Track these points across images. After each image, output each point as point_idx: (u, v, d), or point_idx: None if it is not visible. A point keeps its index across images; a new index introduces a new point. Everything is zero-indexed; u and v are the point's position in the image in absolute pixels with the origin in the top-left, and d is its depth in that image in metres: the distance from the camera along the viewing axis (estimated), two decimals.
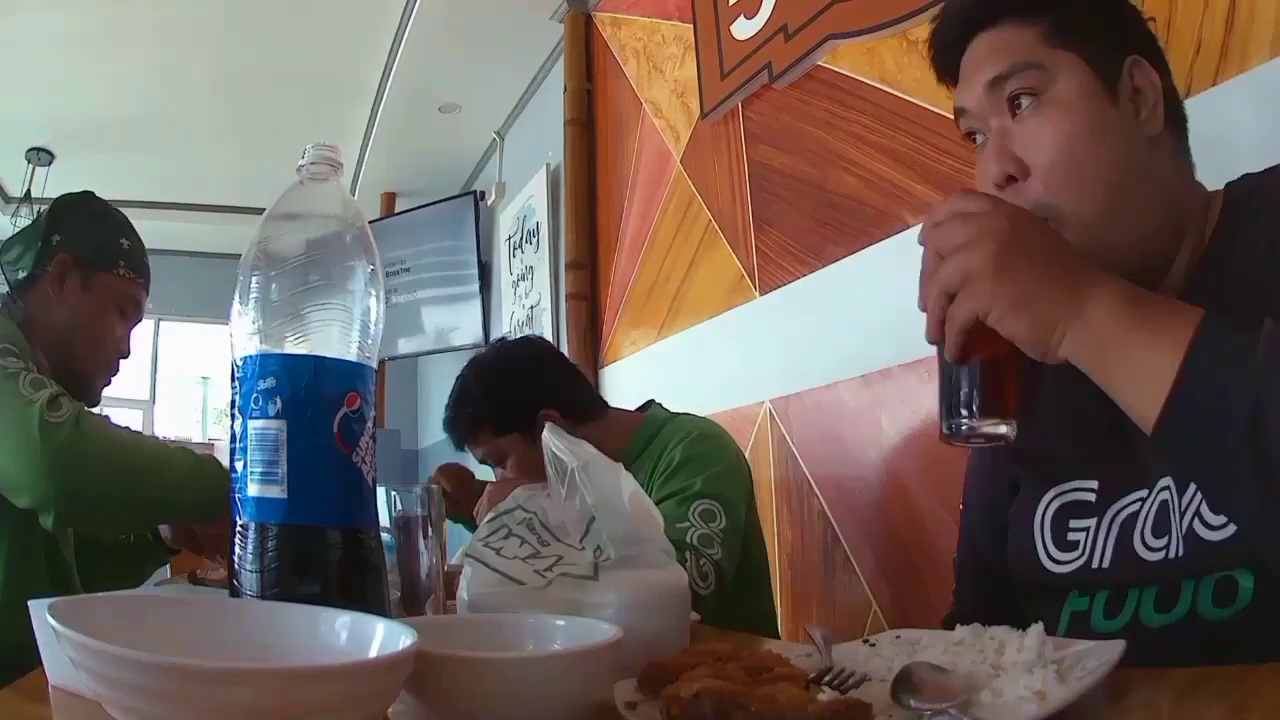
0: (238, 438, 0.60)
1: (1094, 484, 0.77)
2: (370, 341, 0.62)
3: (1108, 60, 0.76)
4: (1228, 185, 0.77)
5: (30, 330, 1.32)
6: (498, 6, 3.17)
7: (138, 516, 1.29)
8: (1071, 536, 0.77)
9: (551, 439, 0.70)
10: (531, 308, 3.51)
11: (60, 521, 1.13)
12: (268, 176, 2.48)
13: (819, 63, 1.84)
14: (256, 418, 0.59)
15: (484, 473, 1.75)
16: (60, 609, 0.42)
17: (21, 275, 1.37)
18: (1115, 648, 0.50)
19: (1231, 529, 0.63)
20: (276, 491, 0.58)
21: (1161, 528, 0.70)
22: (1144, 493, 0.72)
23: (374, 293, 0.62)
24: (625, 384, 2.66)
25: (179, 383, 5.76)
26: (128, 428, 1.23)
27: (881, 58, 1.65)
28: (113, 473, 1.13)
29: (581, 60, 3.07)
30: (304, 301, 0.60)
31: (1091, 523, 0.75)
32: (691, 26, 2.34)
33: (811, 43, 1.83)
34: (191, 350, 5.49)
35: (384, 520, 0.80)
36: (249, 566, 0.58)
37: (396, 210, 4.70)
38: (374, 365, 0.63)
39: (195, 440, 5.73)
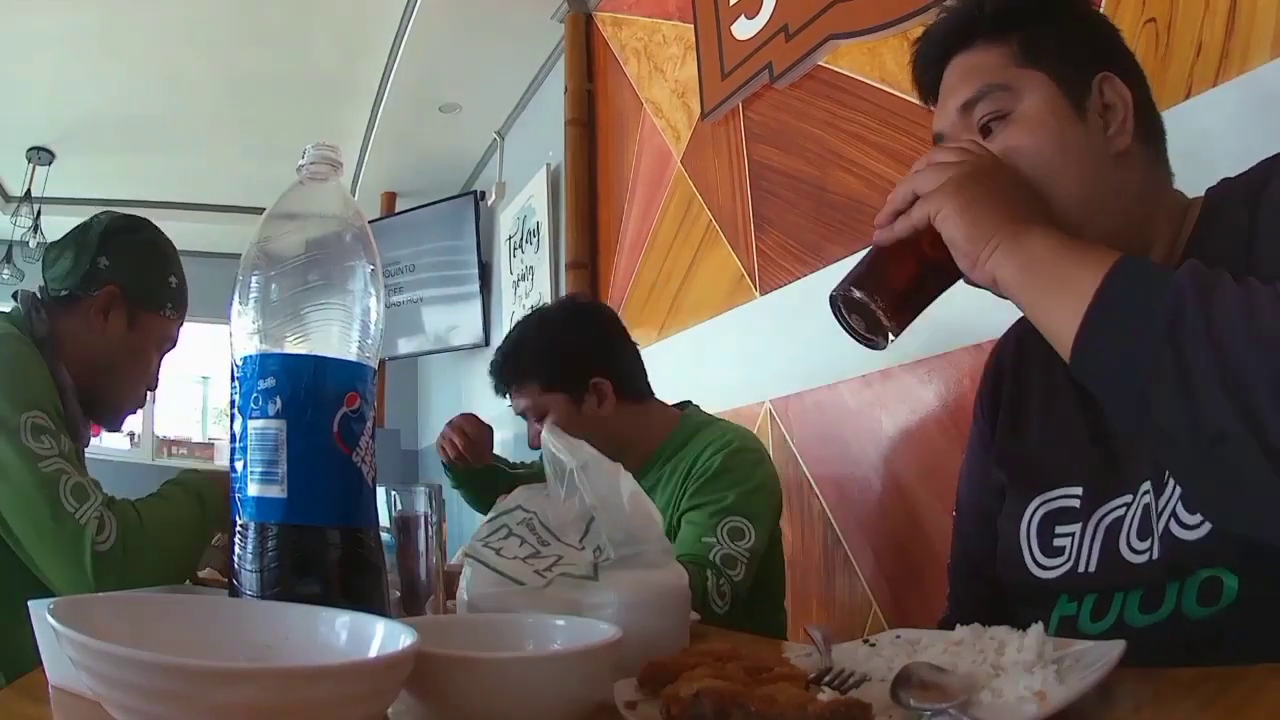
0: (238, 438, 0.60)
1: (1078, 490, 0.77)
2: (370, 341, 0.62)
3: (1075, 77, 0.78)
4: (1207, 191, 0.77)
5: (58, 348, 1.27)
6: (498, 6, 3.17)
7: (188, 571, 1.26)
8: (1058, 542, 0.78)
9: (550, 439, 0.70)
10: (531, 308, 3.51)
11: None
12: (268, 176, 2.49)
13: (819, 63, 1.84)
14: (256, 417, 0.59)
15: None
16: (60, 609, 0.42)
17: (63, 293, 1.32)
18: (1115, 648, 0.50)
19: (1205, 528, 0.64)
20: (276, 491, 0.58)
21: (1145, 530, 0.70)
22: (1129, 497, 0.73)
23: (374, 293, 0.62)
24: None
25: (179, 382, 5.77)
26: (152, 496, 1.20)
27: (882, 58, 1.65)
28: (164, 569, 1.11)
29: (582, 60, 3.07)
30: (304, 301, 0.60)
31: (1077, 528, 0.76)
32: (692, 26, 2.34)
33: (812, 43, 1.83)
34: (191, 350, 5.48)
35: (384, 520, 0.80)
36: (249, 566, 0.58)
37: (396, 210, 4.70)
38: (374, 365, 0.63)
39: (195, 440, 5.74)
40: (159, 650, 0.38)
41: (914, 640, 0.60)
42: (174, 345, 1.46)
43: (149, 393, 1.45)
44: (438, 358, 4.75)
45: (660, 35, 2.62)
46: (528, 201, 3.58)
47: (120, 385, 1.38)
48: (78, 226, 1.39)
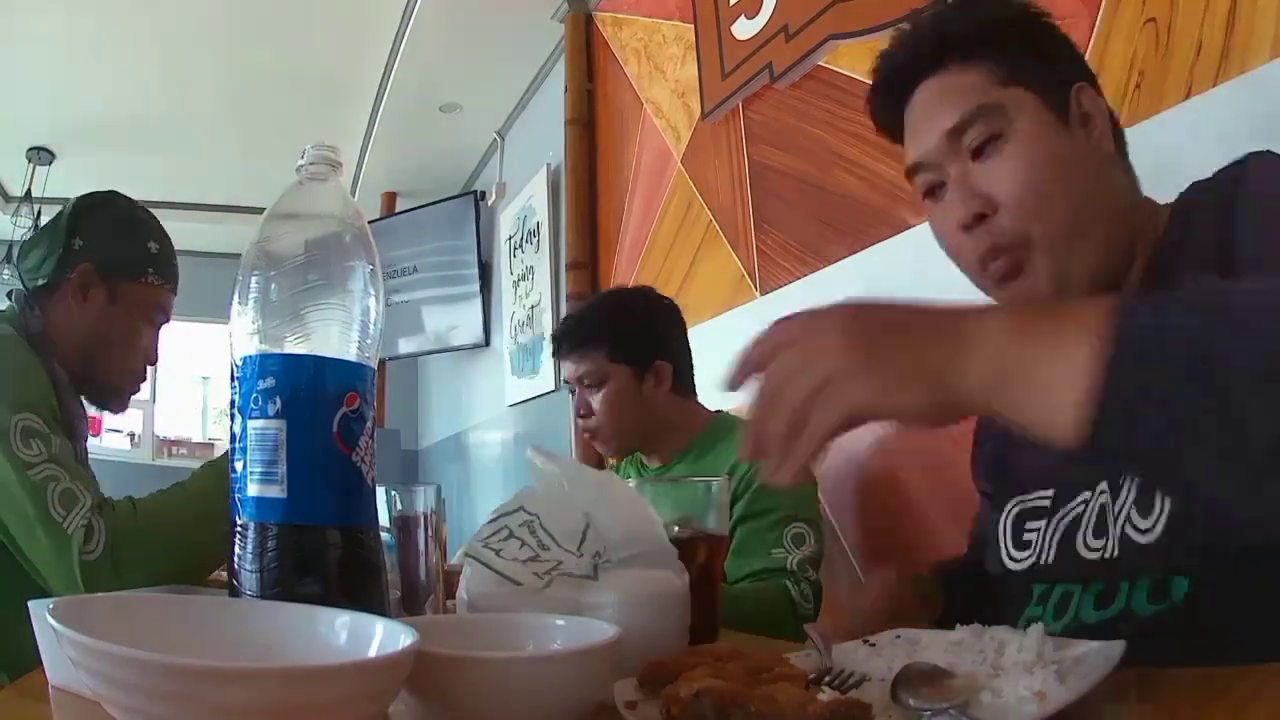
0: (237, 438, 0.60)
1: (1049, 491, 0.81)
2: (370, 341, 0.62)
3: (1057, 91, 0.78)
4: (1180, 195, 0.79)
5: (51, 340, 1.26)
6: (498, 6, 3.17)
7: (213, 559, 1.20)
8: (1026, 536, 0.82)
9: (535, 456, 0.71)
10: (532, 308, 3.51)
11: None
12: (268, 176, 2.49)
13: (820, 63, 1.84)
14: (256, 418, 0.59)
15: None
16: (60, 609, 0.42)
17: (41, 283, 1.30)
18: (1115, 648, 0.50)
19: (1158, 531, 0.66)
20: (276, 491, 0.58)
21: (1101, 529, 0.73)
22: (1087, 494, 0.76)
23: (373, 293, 0.62)
24: None
25: (179, 382, 5.77)
26: (158, 493, 1.16)
27: None
28: (166, 569, 1.08)
29: (582, 60, 3.07)
30: (303, 301, 0.60)
31: (1043, 524, 0.80)
32: (692, 26, 2.34)
33: (812, 43, 1.83)
34: (191, 350, 5.50)
35: (384, 520, 0.80)
36: (249, 566, 0.58)
37: (397, 210, 4.70)
38: (374, 365, 0.63)
39: (195, 440, 5.74)
40: (159, 650, 0.38)
41: (914, 640, 0.60)
42: (167, 317, 1.41)
43: (148, 367, 1.41)
44: (438, 358, 4.75)
45: (660, 35, 2.62)
46: (528, 201, 3.58)
47: (113, 362, 1.34)
48: (51, 219, 1.35)
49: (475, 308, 4.14)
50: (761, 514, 1.38)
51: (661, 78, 2.59)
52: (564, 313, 3.03)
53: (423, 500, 0.86)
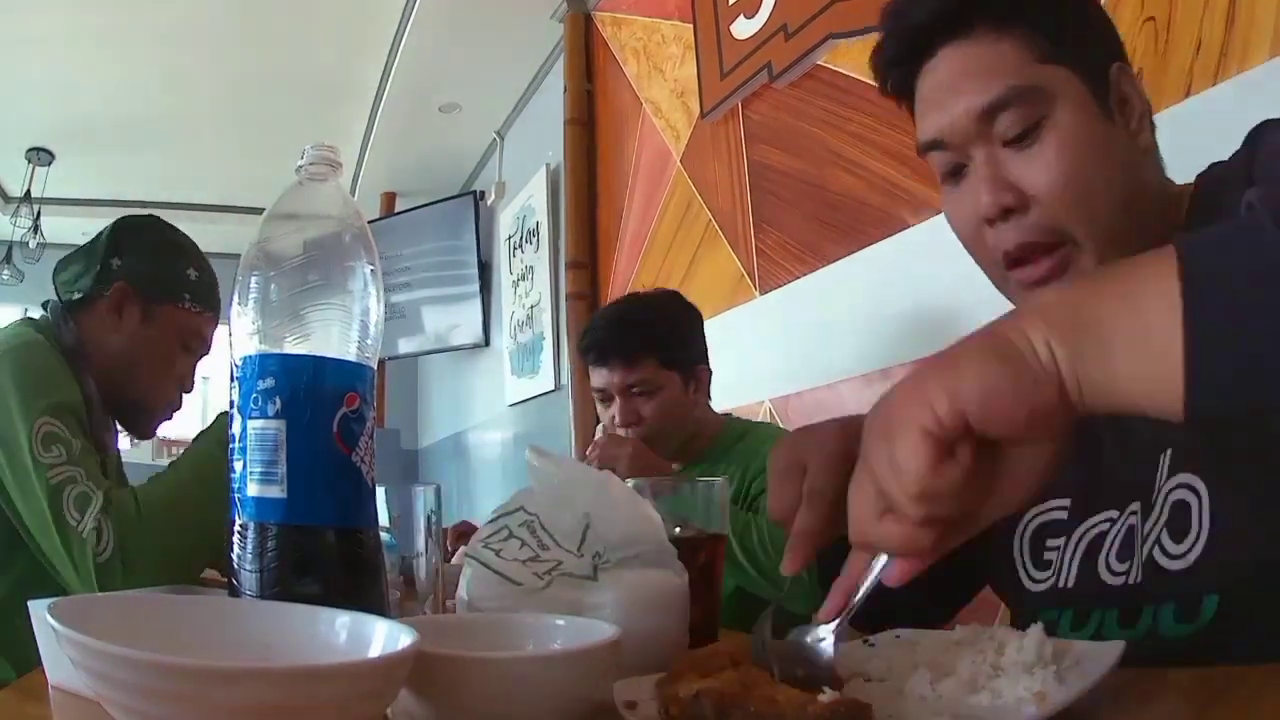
0: (237, 438, 0.60)
1: (1066, 501, 0.75)
2: (370, 341, 0.62)
3: (1098, 72, 0.70)
4: (1198, 176, 0.74)
5: (84, 355, 1.26)
6: (498, 6, 3.17)
7: (216, 552, 1.21)
8: (1047, 556, 0.76)
9: (534, 457, 0.70)
10: (532, 307, 3.51)
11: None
12: (268, 176, 2.49)
13: (819, 62, 1.84)
14: (256, 418, 0.59)
15: None
16: (60, 609, 0.42)
17: (77, 297, 1.30)
18: (1115, 648, 0.50)
19: (1192, 557, 0.61)
20: (276, 491, 0.58)
21: (1126, 552, 0.68)
22: (1114, 514, 0.71)
23: (373, 293, 0.62)
24: None
25: None
26: (156, 479, 1.18)
27: None
28: (174, 547, 1.10)
29: (581, 60, 3.07)
30: (303, 301, 0.60)
31: (1062, 541, 0.74)
32: (691, 26, 2.34)
33: (811, 42, 1.83)
34: None
35: (384, 520, 0.80)
36: (248, 566, 0.58)
37: (396, 210, 4.70)
38: (374, 365, 0.63)
39: None
40: (159, 650, 0.38)
41: (914, 640, 0.60)
42: (206, 347, 1.40)
43: (182, 394, 1.40)
44: (438, 358, 4.75)
45: (659, 35, 2.62)
46: (527, 201, 3.58)
47: (143, 383, 1.34)
48: (93, 238, 1.37)
49: (475, 308, 4.14)
50: None
51: (661, 77, 2.59)
52: (564, 313, 3.03)
53: (423, 500, 0.86)
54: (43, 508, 1.08)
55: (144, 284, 1.31)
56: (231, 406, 0.61)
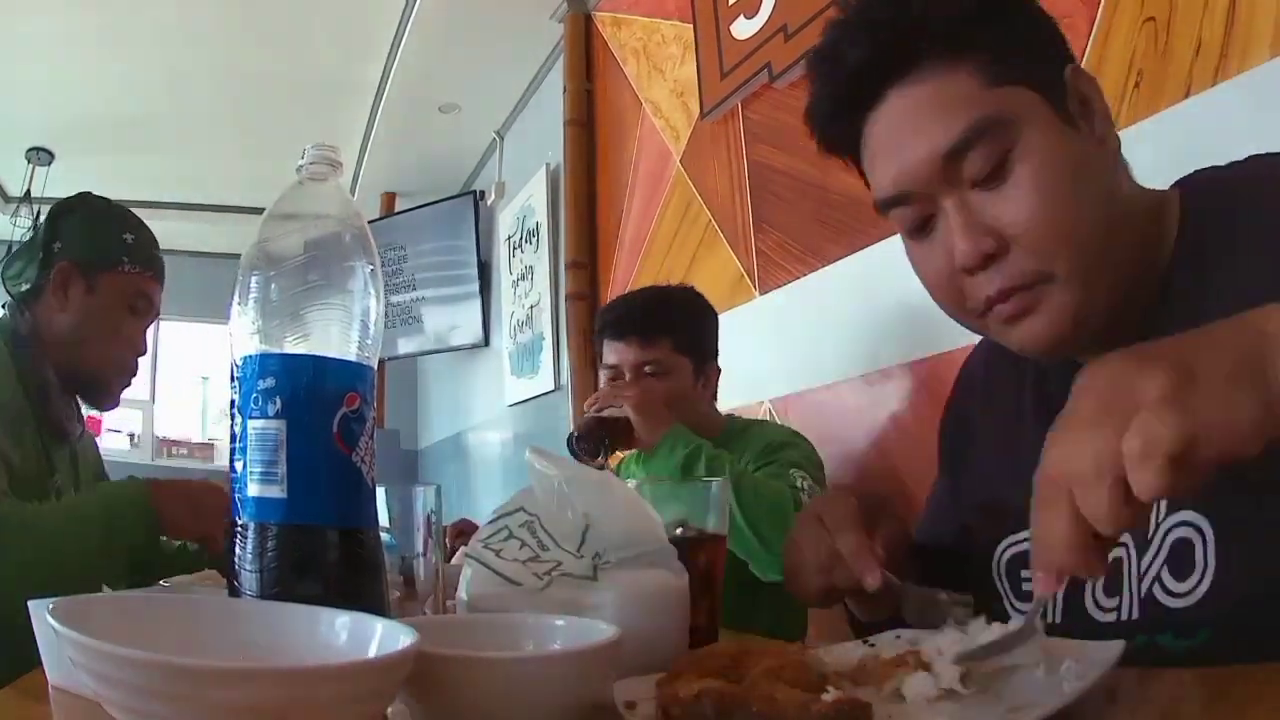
0: (237, 438, 0.60)
1: None
2: (370, 341, 0.62)
3: (1053, 80, 0.66)
4: (1183, 186, 0.70)
5: (40, 340, 1.29)
6: (498, 6, 3.17)
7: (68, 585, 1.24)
8: (1026, 588, 0.74)
9: (533, 458, 0.70)
10: (531, 307, 3.51)
11: None
12: (268, 176, 2.48)
13: None
14: (256, 418, 0.59)
15: None
16: (60, 609, 0.42)
17: (25, 288, 1.34)
18: (1114, 648, 0.50)
19: (1198, 595, 0.59)
20: (276, 491, 0.58)
21: (1114, 587, 0.66)
22: None
23: (373, 293, 0.62)
24: None
25: (179, 383, 5.77)
26: (44, 505, 1.16)
27: None
28: (13, 573, 1.05)
29: (581, 60, 3.07)
30: (303, 301, 0.60)
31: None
32: (691, 26, 2.34)
33: (811, 42, 1.82)
34: (191, 350, 5.49)
35: (384, 520, 0.80)
36: (248, 566, 0.58)
37: (396, 210, 4.70)
38: (374, 365, 0.63)
39: (195, 440, 5.73)
40: (159, 650, 0.38)
41: (914, 640, 0.60)
42: (153, 306, 1.43)
43: (137, 359, 1.43)
44: (437, 358, 4.75)
45: (659, 35, 2.62)
46: (527, 201, 3.58)
47: (97, 353, 1.37)
48: (34, 231, 1.41)
49: (475, 308, 4.14)
50: (772, 462, 1.43)
51: (660, 78, 2.59)
52: (564, 313, 3.03)
53: (422, 500, 0.86)
54: None
55: (84, 258, 1.35)
56: (232, 406, 0.61)
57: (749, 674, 0.49)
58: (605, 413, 1.44)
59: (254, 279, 0.60)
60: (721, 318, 2.16)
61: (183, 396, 5.86)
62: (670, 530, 0.72)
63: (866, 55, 0.67)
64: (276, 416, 0.58)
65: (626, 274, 2.75)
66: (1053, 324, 0.66)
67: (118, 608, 0.50)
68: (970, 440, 0.87)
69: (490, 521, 0.71)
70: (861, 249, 1.70)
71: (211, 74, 3.66)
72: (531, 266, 3.53)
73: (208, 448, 5.70)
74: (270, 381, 0.59)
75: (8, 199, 4.66)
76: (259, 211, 0.65)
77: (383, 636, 0.48)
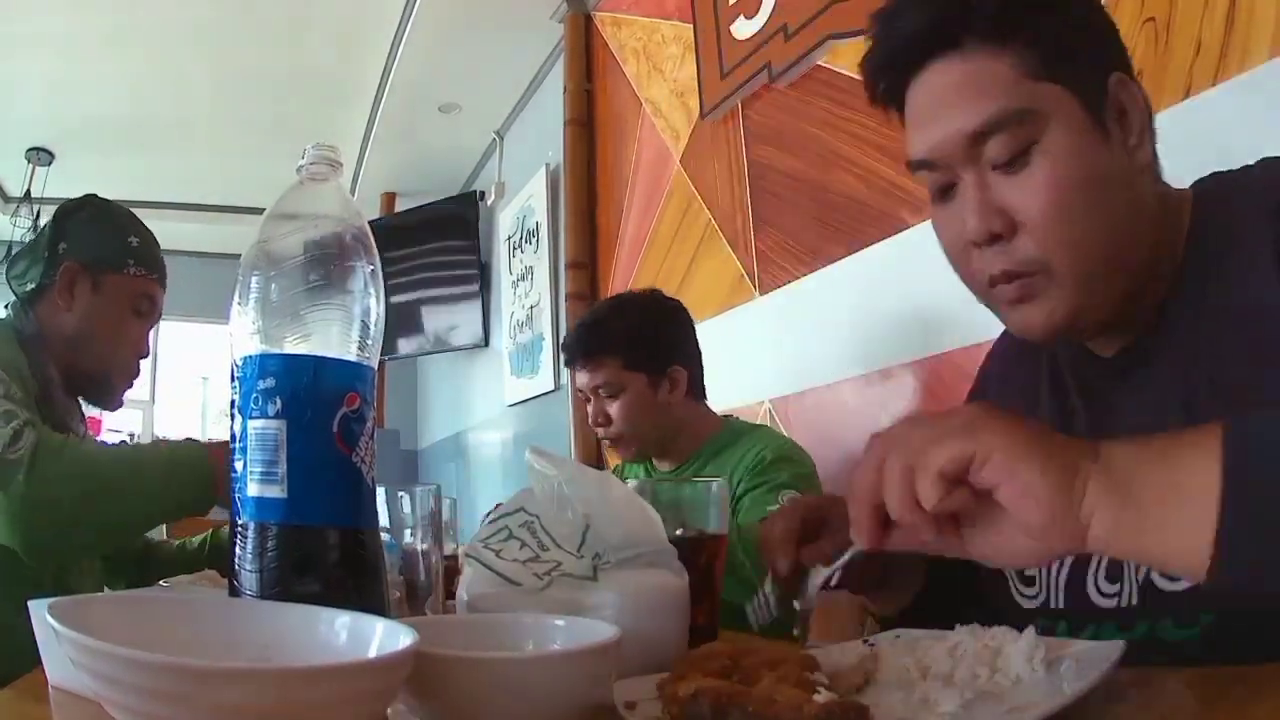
0: (237, 438, 0.60)
1: None
2: (370, 341, 0.62)
3: (1093, 85, 0.67)
4: (1194, 186, 0.72)
5: (43, 342, 1.30)
6: (498, 6, 3.17)
7: (117, 537, 1.26)
8: (1029, 572, 0.76)
9: (533, 458, 0.70)
10: (531, 308, 3.51)
11: (37, 560, 1.10)
12: (268, 176, 2.48)
13: (819, 62, 1.84)
14: (256, 418, 0.59)
15: None
16: (60, 609, 0.42)
17: (30, 288, 1.35)
18: (1114, 648, 0.50)
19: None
20: (276, 491, 0.58)
21: (1115, 573, 0.67)
22: None
23: (374, 293, 0.62)
24: None
25: (179, 383, 5.77)
26: (102, 443, 1.19)
27: None
28: (76, 501, 1.08)
29: (581, 60, 3.07)
30: (304, 301, 0.60)
31: None
32: (691, 26, 2.34)
33: (811, 42, 1.83)
34: (191, 350, 5.49)
35: (384, 520, 0.80)
36: (249, 566, 0.58)
37: (396, 210, 4.70)
38: (374, 365, 0.63)
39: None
40: (159, 650, 0.38)
41: (913, 640, 0.60)
42: (155, 309, 1.45)
43: (140, 361, 1.45)
44: (437, 358, 4.75)
45: (659, 35, 2.62)
46: (527, 201, 3.58)
47: (101, 353, 1.38)
48: (39, 231, 1.43)
49: (475, 308, 4.14)
50: (760, 484, 1.41)
51: (660, 78, 2.59)
52: (564, 313, 3.03)
53: (422, 500, 0.87)
54: None
55: (90, 259, 1.37)
56: (232, 406, 0.61)
57: (749, 674, 0.50)
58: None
59: (254, 279, 0.60)
60: (721, 318, 2.17)
61: (183, 397, 5.87)
62: (670, 531, 0.72)
63: (917, 24, 0.71)
64: (277, 416, 0.58)
65: (626, 274, 2.75)
66: (1049, 315, 0.68)
67: (118, 608, 0.50)
68: None
69: (491, 520, 0.71)
70: (861, 249, 1.70)
71: (211, 74, 3.66)
72: (531, 267, 3.53)
73: None
74: (270, 381, 0.59)
75: (8, 199, 4.65)
76: (259, 211, 0.65)
77: (383, 636, 0.48)
